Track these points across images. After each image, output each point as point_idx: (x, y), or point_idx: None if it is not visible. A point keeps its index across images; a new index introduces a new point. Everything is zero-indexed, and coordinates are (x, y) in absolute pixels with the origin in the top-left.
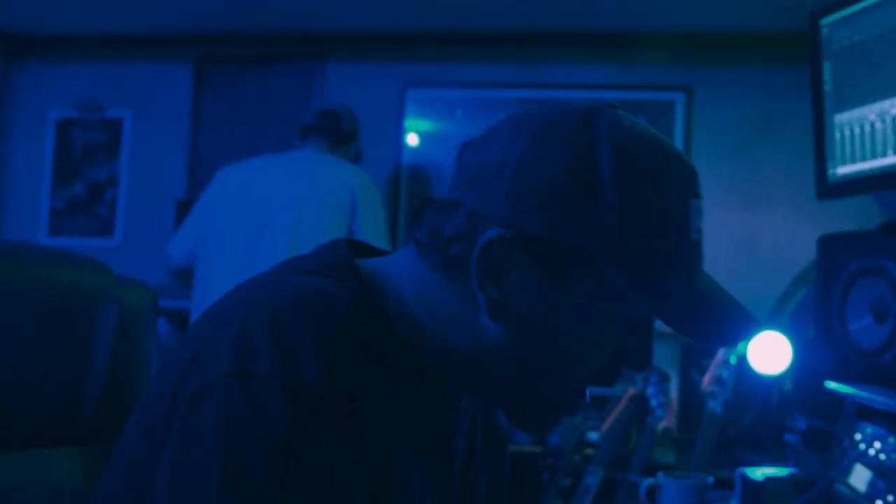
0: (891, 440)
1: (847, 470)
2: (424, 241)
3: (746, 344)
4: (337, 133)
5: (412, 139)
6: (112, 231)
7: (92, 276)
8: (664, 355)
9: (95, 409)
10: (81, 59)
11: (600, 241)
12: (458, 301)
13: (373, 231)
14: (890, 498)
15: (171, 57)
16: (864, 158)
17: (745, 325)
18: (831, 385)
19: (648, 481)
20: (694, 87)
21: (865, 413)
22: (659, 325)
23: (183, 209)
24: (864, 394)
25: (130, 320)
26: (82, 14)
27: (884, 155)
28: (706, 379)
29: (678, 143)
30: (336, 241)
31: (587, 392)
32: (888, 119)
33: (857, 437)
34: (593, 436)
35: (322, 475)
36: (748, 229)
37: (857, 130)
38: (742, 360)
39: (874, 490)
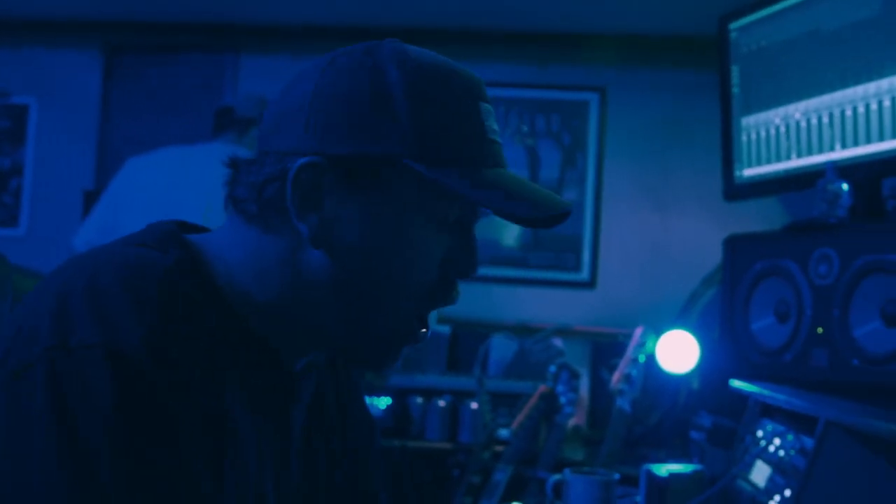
0: (790, 437)
1: (749, 466)
2: (242, 196)
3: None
4: (236, 125)
5: None
6: (17, 221)
7: None
8: (575, 354)
9: None
10: None
11: (401, 146)
12: (279, 246)
13: None
14: (787, 493)
15: (80, 44)
16: (769, 161)
17: (551, 199)
18: (735, 383)
19: (555, 477)
20: (607, 88)
21: (768, 411)
22: (570, 322)
23: (91, 199)
24: (766, 392)
25: None
26: None
27: (788, 158)
28: (615, 377)
29: (592, 143)
30: (166, 220)
31: (426, 320)
32: (792, 123)
33: (759, 434)
34: (504, 433)
35: (158, 438)
36: (660, 230)
37: (762, 133)
38: (650, 359)
39: (772, 485)
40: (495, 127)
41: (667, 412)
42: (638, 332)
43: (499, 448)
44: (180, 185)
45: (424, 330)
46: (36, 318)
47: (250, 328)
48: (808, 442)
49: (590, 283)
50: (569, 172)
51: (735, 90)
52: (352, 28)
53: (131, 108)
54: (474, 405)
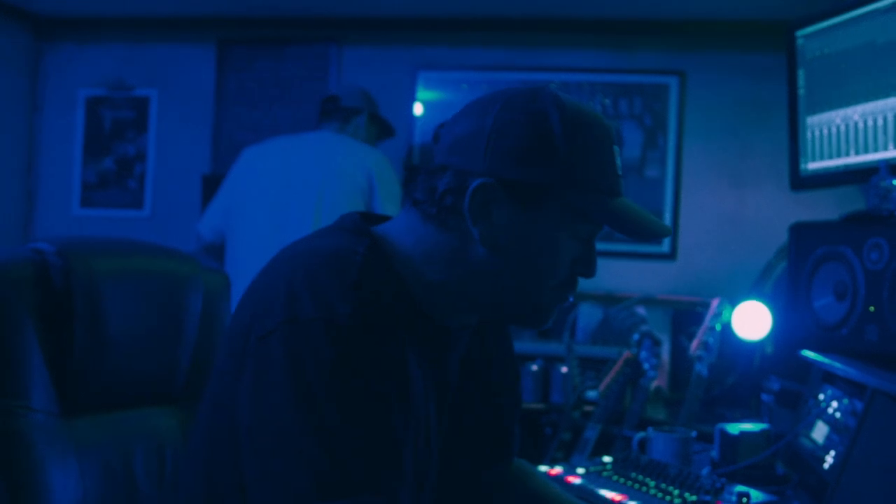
0: (845, 401)
1: (811, 425)
2: (421, 199)
3: (727, 313)
4: (341, 112)
5: (418, 108)
6: (142, 203)
7: (182, 266)
8: (656, 321)
9: (186, 375)
10: (109, 40)
11: (558, 177)
12: (451, 241)
13: (389, 206)
14: (841, 448)
15: (195, 39)
16: (830, 156)
17: (659, 225)
18: (806, 353)
19: (640, 435)
20: (687, 72)
21: (828, 377)
22: (652, 291)
23: (208, 183)
24: (827, 361)
25: (211, 301)
26: None
27: (847, 154)
28: (694, 344)
29: (672, 124)
30: (352, 213)
31: (569, 295)
32: (851, 123)
33: (821, 397)
34: (592, 394)
35: (364, 385)
36: (736, 206)
37: (825, 132)
38: (726, 327)
39: (829, 442)
40: (620, 164)
41: (741, 376)
42: (715, 303)
43: (587, 408)
44: (292, 171)
45: (568, 298)
46: (271, 297)
47: (417, 298)
48: (860, 405)
49: (670, 256)
50: (650, 152)
51: (801, 91)
52: (445, 19)
53: (243, 98)
54: (564, 369)
